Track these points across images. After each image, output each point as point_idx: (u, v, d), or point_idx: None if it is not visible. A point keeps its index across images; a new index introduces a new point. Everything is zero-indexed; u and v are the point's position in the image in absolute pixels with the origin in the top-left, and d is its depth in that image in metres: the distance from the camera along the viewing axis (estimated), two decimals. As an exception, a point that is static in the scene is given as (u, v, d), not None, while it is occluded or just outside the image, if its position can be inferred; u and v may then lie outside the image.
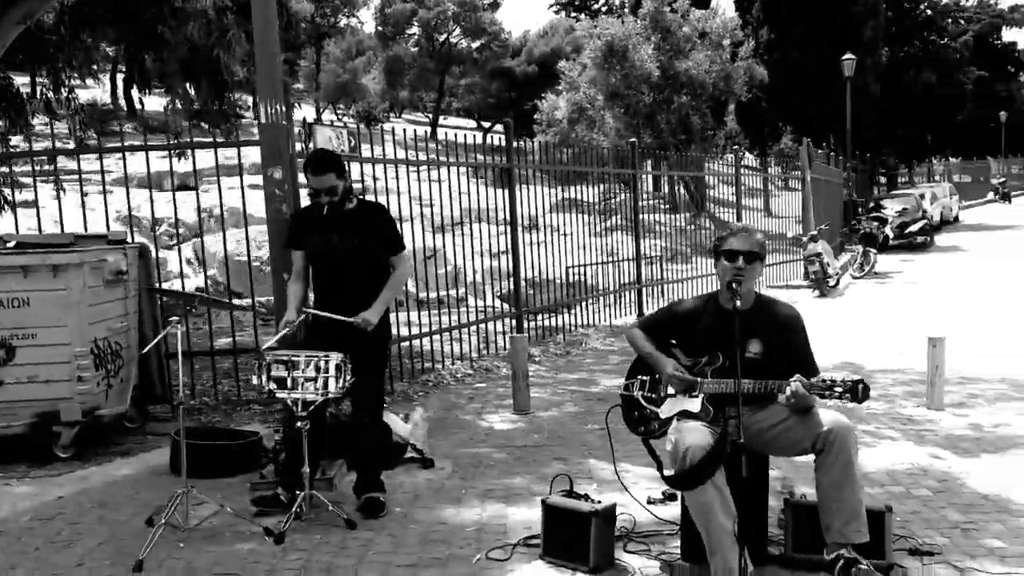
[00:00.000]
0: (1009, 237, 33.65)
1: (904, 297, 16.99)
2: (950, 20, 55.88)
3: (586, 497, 4.77)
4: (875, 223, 24.80)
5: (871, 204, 31.31)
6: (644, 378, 4.79)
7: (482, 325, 11.24)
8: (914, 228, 28.11)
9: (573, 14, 57.57)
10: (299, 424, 5.24)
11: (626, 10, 33.56)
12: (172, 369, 7.79)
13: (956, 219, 39.55)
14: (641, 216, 14.34)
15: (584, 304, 13.58)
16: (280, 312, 7.00)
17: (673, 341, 4.75)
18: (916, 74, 45.66)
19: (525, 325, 11.55)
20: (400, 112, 55.34)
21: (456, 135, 11.28)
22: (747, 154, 33.61)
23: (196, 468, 5.88)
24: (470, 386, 9.61)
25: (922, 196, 34.26)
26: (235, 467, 6.40)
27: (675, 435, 4.36)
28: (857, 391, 4.20)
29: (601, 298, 13.81)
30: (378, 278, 5.73)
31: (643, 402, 4.74)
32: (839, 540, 4.30)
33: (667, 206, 18.54)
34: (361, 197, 5.94)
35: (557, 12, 62.81)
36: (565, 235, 12.71)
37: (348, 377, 5.26)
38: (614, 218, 15.57)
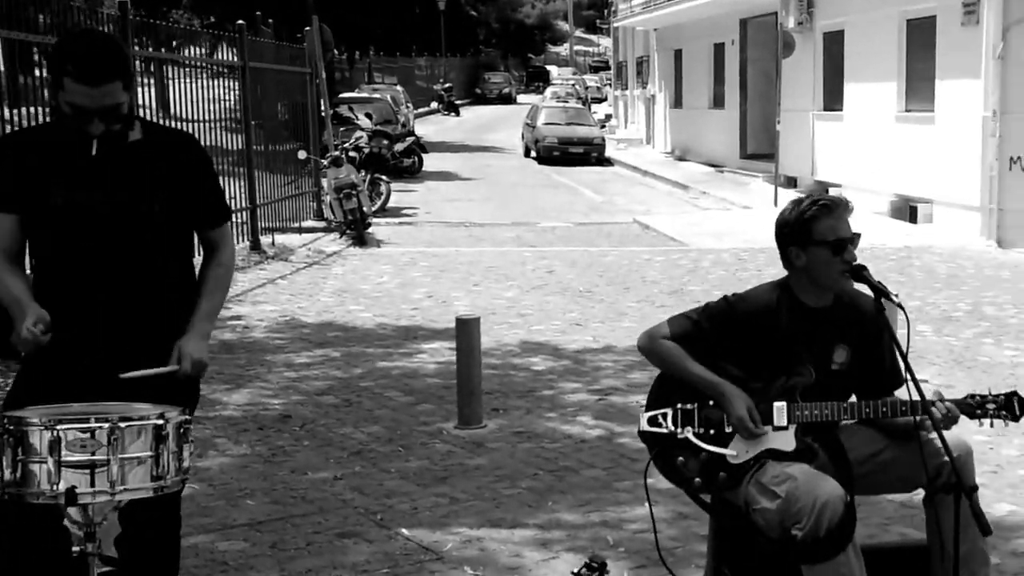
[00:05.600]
0: (495, 158, 32.57)
1: (465, 244, 15.28)
2: None
3: None
4: (384, 140, 22.18)
5: (331, 111, 25.22)
6: (688, 406, 3.55)
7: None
8: (401, 147, 24.64)
9: None
10: (87, 547, 2.78)
11: None
12: None
13: (413, 133, 34.23)
14: None
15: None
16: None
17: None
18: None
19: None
20: None
21: None
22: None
23: None
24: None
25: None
26: None
27: (787, 484, 3.34)
28: (1014, 406, 3.50)
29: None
30: (181, 268, 3.49)
31: (698, 442, 3.50)
32: None
33: None
34: (144, 119, 3.76)
35: None
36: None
37: (192, 450, 2.97)
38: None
